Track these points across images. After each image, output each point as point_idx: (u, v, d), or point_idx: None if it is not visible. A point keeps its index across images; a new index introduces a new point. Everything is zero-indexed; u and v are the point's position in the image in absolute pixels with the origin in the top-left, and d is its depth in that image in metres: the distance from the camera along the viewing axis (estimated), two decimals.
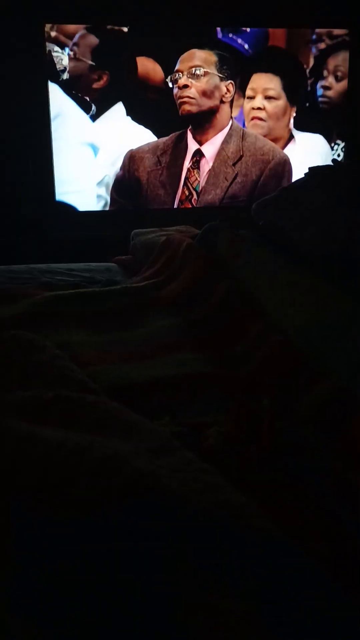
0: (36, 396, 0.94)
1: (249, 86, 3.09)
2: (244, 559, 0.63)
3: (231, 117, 3.08)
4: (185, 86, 3.00)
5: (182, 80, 3.00)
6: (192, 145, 3.08)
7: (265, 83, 3.09)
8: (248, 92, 3.10)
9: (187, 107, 3.03)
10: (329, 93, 3.23)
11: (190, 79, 2.99)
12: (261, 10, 3.06)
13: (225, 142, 3.08)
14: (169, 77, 3.01)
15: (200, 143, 3.08)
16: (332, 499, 0.84)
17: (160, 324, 1.43)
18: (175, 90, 3.02)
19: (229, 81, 3.03)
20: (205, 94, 3.02)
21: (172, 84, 3.01)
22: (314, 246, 1.51)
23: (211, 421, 0.98)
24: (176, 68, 3.00)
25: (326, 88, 3.22)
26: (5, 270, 1.91)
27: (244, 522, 0.65)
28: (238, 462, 0.89)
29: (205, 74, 2.98)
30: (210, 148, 3.08)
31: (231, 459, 0.90)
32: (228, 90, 3.03)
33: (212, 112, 3.05)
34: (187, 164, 3.08)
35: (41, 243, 3.01)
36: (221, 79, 3.01)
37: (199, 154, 3.09)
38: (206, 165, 3.10)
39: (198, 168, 3.09)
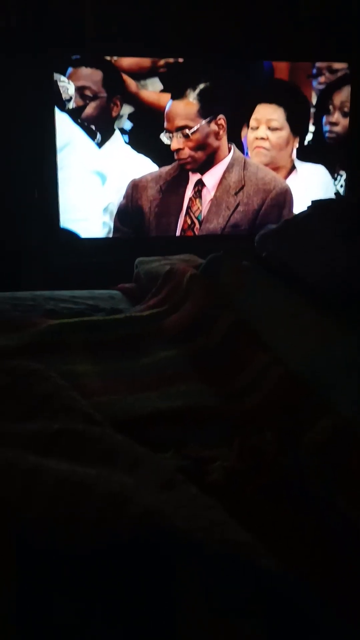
0: (41, 428, 0.95)
1: (253, 116, 3.13)
2: (249, 597, 0.64)
3: (230, 147, 3.10)
4: (179, 149, 3.03)
5: (175, 144, 3.01)
6: (193, 176, 3.11)
7: (269, 114, 3.13)
8: (252, 123, 3.13)
9: (188, 166, 3.07)
10: (337, 129, 3.27)
11: (181, 140, 3.02)
12: (263, 44, 3.11)
13: (227, 171, 3.11)
14: (162, 135, 3.03)
15: (202, 173, 3.11)
16: (336, 533, 0.85)
17: (164, 354, 1.44)
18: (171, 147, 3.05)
19: (219, 116, 3.06)
20: (200, 146, 3.04)
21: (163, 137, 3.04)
22: (317, 279, 1.52)
23: (215, 455, 0.98)
24: (165, 126, 3.01)
25: (333, 124, 3.26)
26: (9, 297, 1.93)
27: (248, 560, 0.65)
28: (242, 497, 0.90)
29: (195, 132, 3.01)
30: (212, 178, 3.11)
31: (235, 493, 0.90)
32: (221, 126, 3.06)
33: (211, 154, 3.09)
34: (189, 193, 3.11)
35: (45, 270, 3.03)
36: (210, 121, 3.04)
37: (200, 184, 3.12)
38: (208, 194, 3.13)
39: (200, 197, 3.11)
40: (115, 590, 0.67)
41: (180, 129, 3.01)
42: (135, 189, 3.08)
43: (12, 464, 0.80)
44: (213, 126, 3.04)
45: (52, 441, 0.92)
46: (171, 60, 3.01)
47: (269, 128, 3.14)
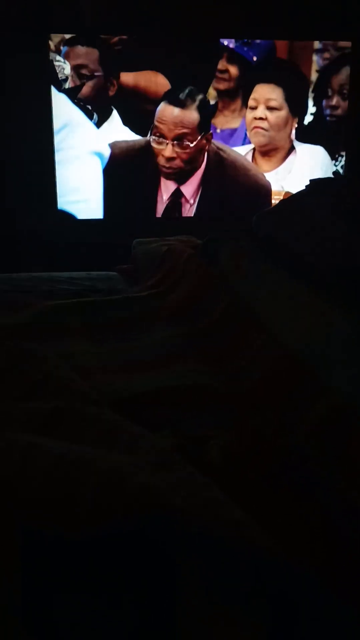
0: (39, 408, 0.95)
1: (252, 96, 3.10)
2: (245, 576, 0.64)
3: (206, 150, 3.07)
4: (171, 158, 2.99)
5: (168, 152, 2.96)
6: (171, 185, 3.05)
7: (267, 93, 3.10)
8: (250, 102, 3.11)
9: (172, 177, 3.02)
10: (337, 112, 3.24)
11: (176, 149, 2.98)
12: (265, 22, 3.07)
13: (206, 177, 3.05)
14: (149, 134, 2.97)
15: (180, 183, 3.04)
16: (336, 515, 0.84)
17: (161, 335, 1.43)
18: (156, 150, 3.00)
19: (209, 132, 3.04)
20: (189, 160, 3.02)
21: (152, 138, 2.98)
22: (315, 258, 1.52)
23: (213, 435, 0.98)
24: (156, 124, 2.96)
25: (333, 108, 3.23)
26: (6, 278, 1.92)
27: (244, 539, 0.65)
28: (240, 477, 0.90)
29: (194, 145, 2.98)
30: (190, 187, 3.05)
31: (233, 473, 0.90)
32: (208, 141, 3.02)
33: (193, 165, 3.05)
34: (164, 198, 3.05)
35: (42, 251, 3.02)
36: (203, 135, 3.00)
37: (178, 195, 3.06)
38: (187, 204, 3.08)
39: (180, 210, 3.05)
40: (113, 572, 0.67)
41: (179, 137, 2.96)
42: (110, 172, 3.04)
43: (10, 443, 0.79)
44: (203, 141, 3.01)
45: (50, 421, 0.92)
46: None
47: (268, 108, 3.11)
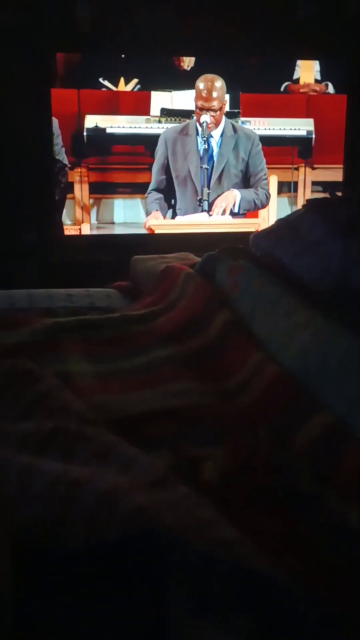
0: (35, 427, 0.95)
1: None
2: (238, 597, 0.64)
3: None
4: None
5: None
6: None
7: None
8: None
9: None
10: None
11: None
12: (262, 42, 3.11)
13: None
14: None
15: None
16: (329, 532, 0.85)
17: (158, 353, 1.44)
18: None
19: None
20: None
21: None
22: (311, 277, 1.53)
23: (208, 453, 0.99)
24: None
25: None
26: (4, 295, 1.93)
27: (238, 559, 0.66)
28: (234, 496, 0.90)
29: None
30: None
31: (227, 492, 0.91)
32: None
33: None
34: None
35: (40, 268, 3.03)
36: None
37: None
38: None
39: None
40: (105, 589, 0.67)
41: None
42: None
43: (6, 464, 0.80)
44: None
45: (46, 441, 0.92)
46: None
47: None
